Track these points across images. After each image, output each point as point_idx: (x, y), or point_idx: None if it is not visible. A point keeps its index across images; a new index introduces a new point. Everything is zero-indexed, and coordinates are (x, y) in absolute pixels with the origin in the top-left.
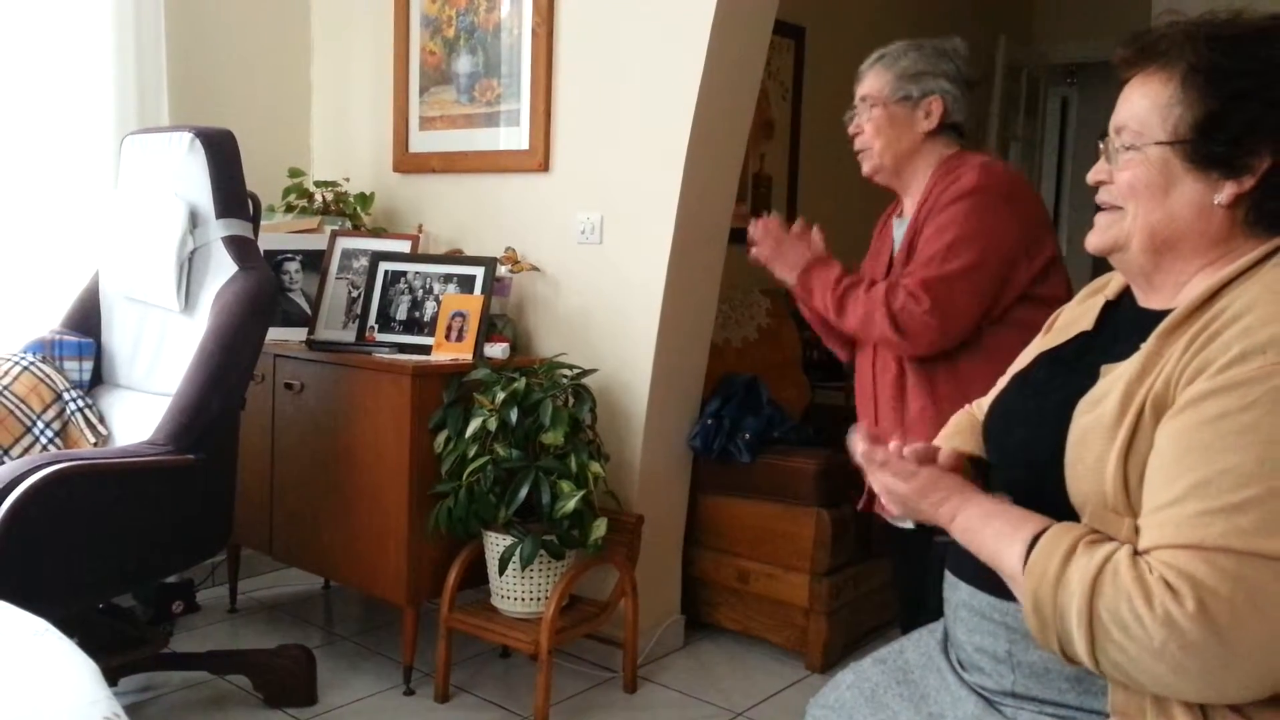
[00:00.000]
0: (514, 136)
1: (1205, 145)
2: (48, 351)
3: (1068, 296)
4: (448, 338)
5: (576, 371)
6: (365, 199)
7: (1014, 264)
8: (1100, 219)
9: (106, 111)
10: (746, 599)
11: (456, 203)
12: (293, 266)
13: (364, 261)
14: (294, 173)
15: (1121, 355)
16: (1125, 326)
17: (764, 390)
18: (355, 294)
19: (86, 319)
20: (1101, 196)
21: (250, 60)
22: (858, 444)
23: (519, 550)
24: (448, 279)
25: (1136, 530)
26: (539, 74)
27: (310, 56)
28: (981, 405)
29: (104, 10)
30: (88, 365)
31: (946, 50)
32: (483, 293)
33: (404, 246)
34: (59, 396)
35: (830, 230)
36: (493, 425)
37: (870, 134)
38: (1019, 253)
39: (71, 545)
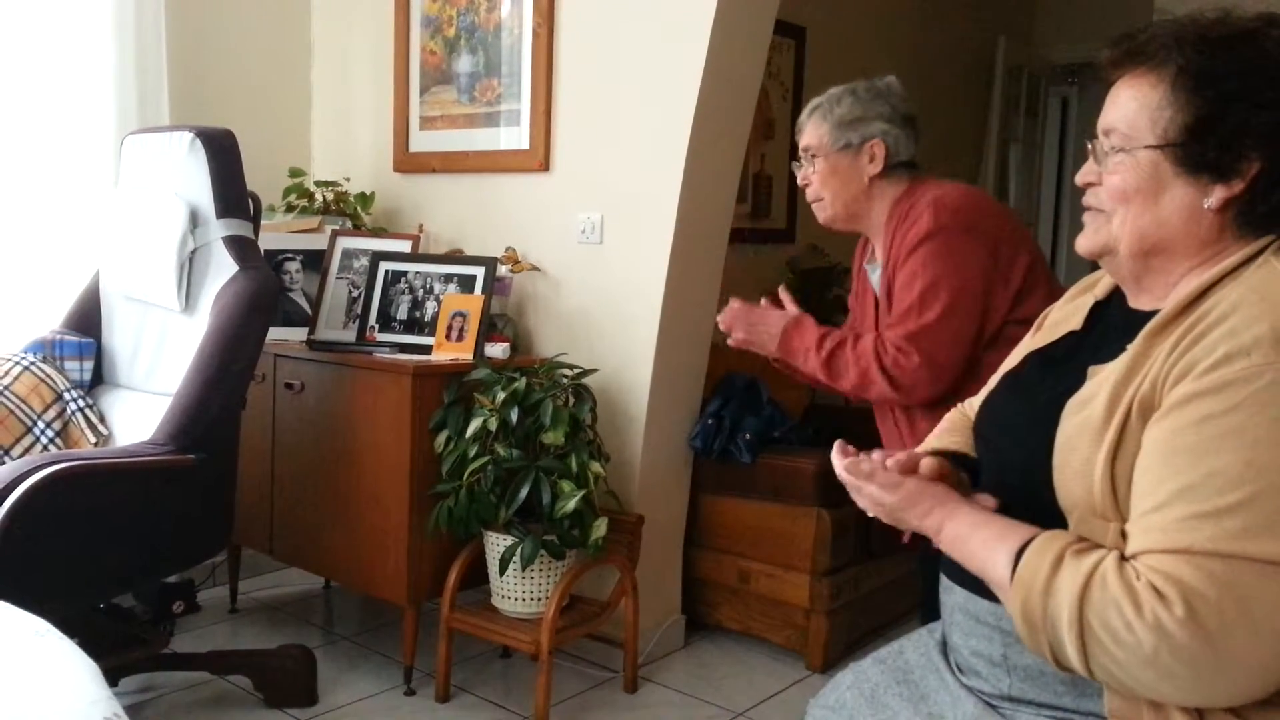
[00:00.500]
0: (514, 136)
1: (1195, 149)
2: (48, 351)
3: (1055, 298)
4: (448, 338)
5: (577, 371)
6: (366, 199)
7: (990, 292)
8: (1089, 222)
9: (107, 111)
10: (747, 599)
11: (457, 202)
12: (293, 266)
13: (364, 261)
14: (294, 172)
15: (1109, 356)
16: (1114, 326)
17: (764, 390)
18: (356, 294)
19: (87, 319)
20: (1089, 199)
21: (251, 60)
22: (837, 460)
23: (519, 550)
24: (448, 279)
25: (1123, 535)
26: (539, 74)
27: (311, 56)
28: (972, 404)
29: (105, 10)
30: (88, 365)
31: (880, 90)
32: (483, 292)
33: (404, 246)
34: (60, 396)
35: (831, 232)
36: (493, 425)
37: (818, 185)
38: (992, 280)
39: (72, 545)
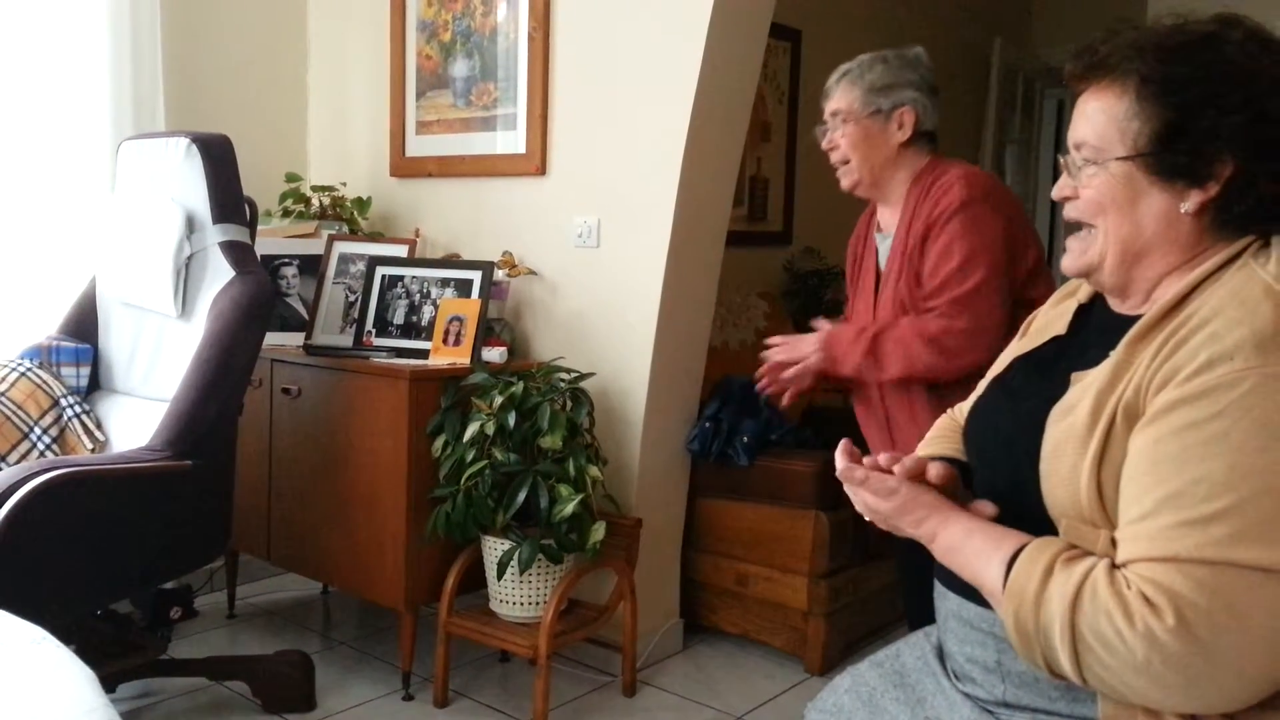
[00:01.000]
0: (511, 140)
1: (1167, 156)
2: (45, 357)
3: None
4: (445, 342)
5: (574, 375)
6: (362, 203)
7: (1011, 264)
8: (1073, 243)
9: (103, 117)
10: (745, 602)
11: (453, 207)
12: (290, 271)
13: (361, 266)
14: (291, 177)
15: (1092, 361)
16: (1097, 331)
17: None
18: (352, 298)
19: (84, 325)
20: (1069, 213)
21: (247, 65)
22: (839, 460)
23: (517, 554)
24: (445, 283)
25: (1113, 543)
26: (535, 78)
27: (307, 61)
28: (962, 410)
29: (100, 16)
30: (85, 371)
31: (910, 59)
32: (480, 297)
33: (401, 251)
34: (56, 402)
35: (827, 234)
36: (490, 429)
37: (846, 149)
38: (1013, 252)
39: (69, 551)
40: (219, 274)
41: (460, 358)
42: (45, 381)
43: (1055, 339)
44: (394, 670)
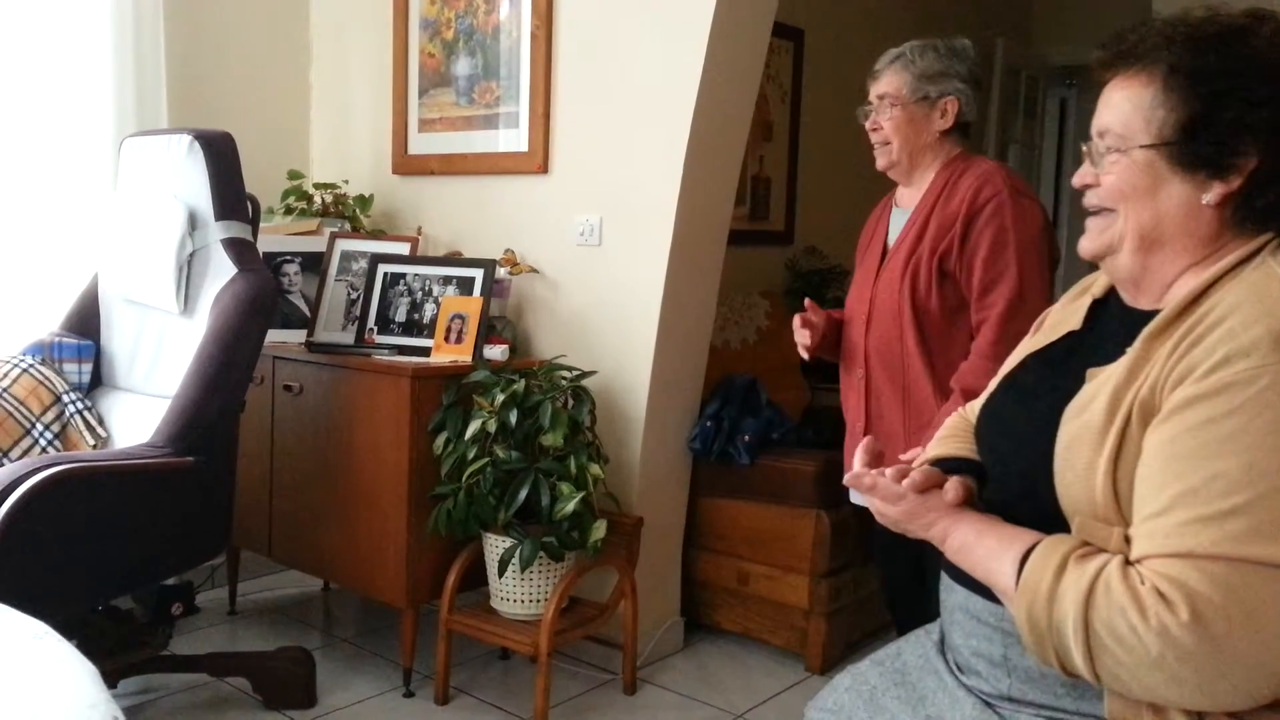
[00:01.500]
0: (513, 138)
1: (1191, 146)
2: (47, 354)
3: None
4: (447, 340)
5: (576, 373)
6: (364, 201)
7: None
8: (1093, 223)
9: (106, 114)
10: (746, 601)
11: (456, 205)
12: (292, 268)
13: (363, 263)
14: (293, 175)
15: (1108, 356)
16: (1112, 326)
17: (763, 392)
18: (354, 296)
19: (86, 321)
20: (1090, 200)
21: (249, 62)
22: (858, 458)
23: (518, 552)
24: (447, 281)
25: (1127, 540)
26: (538, 76)
27: (309, 59)
28: (973, 408)
29: (103, 13)
30: (87, 367)
31: (958, 50)
32: (482, 294)
33: (403, 248)
34: (58, 399)
35: (830, 232)
36: (492, 427)
37: (889, 131)
38: (1051, 243)
39: (71, 547)
40: (221, 271)
41: (462, 355)
42: (47, 378)
43: (1069, 334)
44: (395, 667)
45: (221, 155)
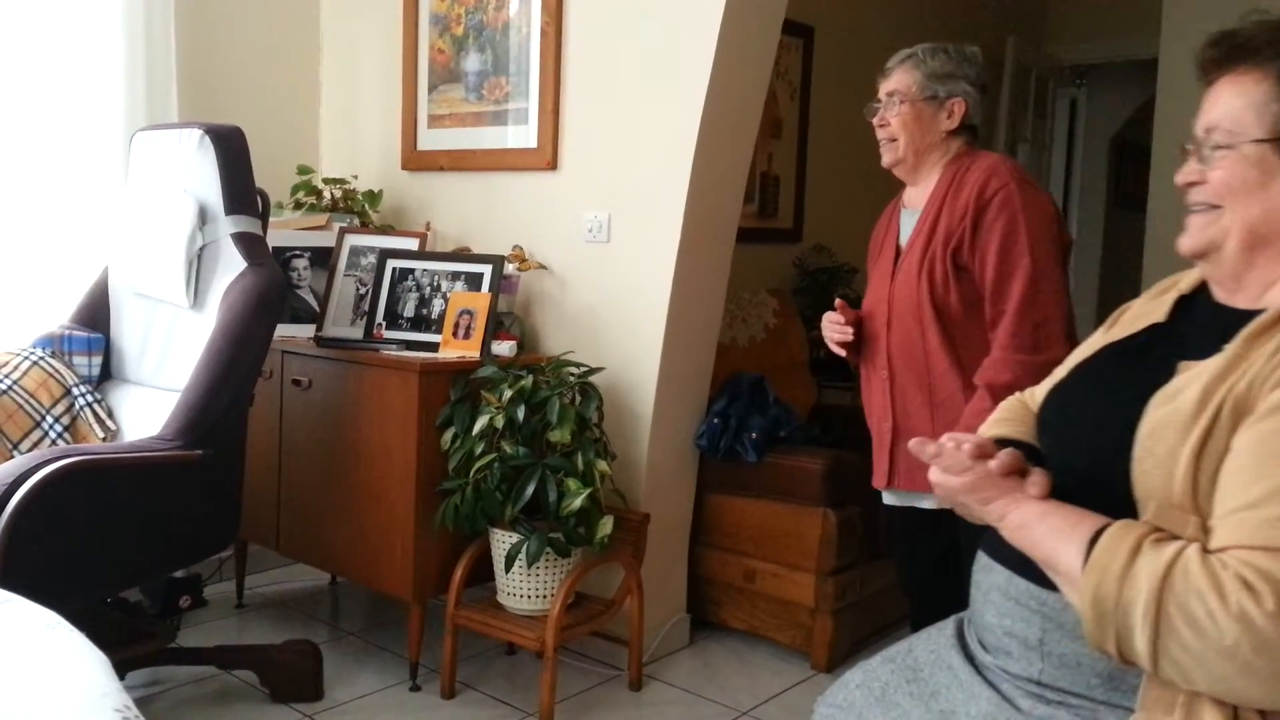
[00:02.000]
0: (522, 135)
1: None
2: (57, 346)
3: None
4: (455, 335)
5: (583, 370)
6: (373, 196)
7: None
8: (1195, 220)
9: (116, 108)
10: (752, 598)
11: (464, 201)
12: (301, 263)
13: (372, 259)
14: (302, 170)
15: (1200, 351)
16: (1203, 322)
17: (770, 390)
18: (363, 291)
19: (96, 314)
20: (1195, 197)
21: (259, 57)
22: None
23: (525, 548)
24: (455, 276)
25: (1204, 530)
26: (547, 72)
27: (319, 54)
28: (1034, 395)
29: (114, 7)
30: (97, 360)
31: (968, 55)
32: (490, 290)
33: (412, 244)
34: (68, 391)
35: (838, 230)
36: (500, 423)
37: (896, 127)
38: (1062, 231)
39: (80, 539)
40: (231, 265)
41: (470, 351)
42: (57, 370)
43: (1153, 326)
44: (401, 661)
45: (232, 150)
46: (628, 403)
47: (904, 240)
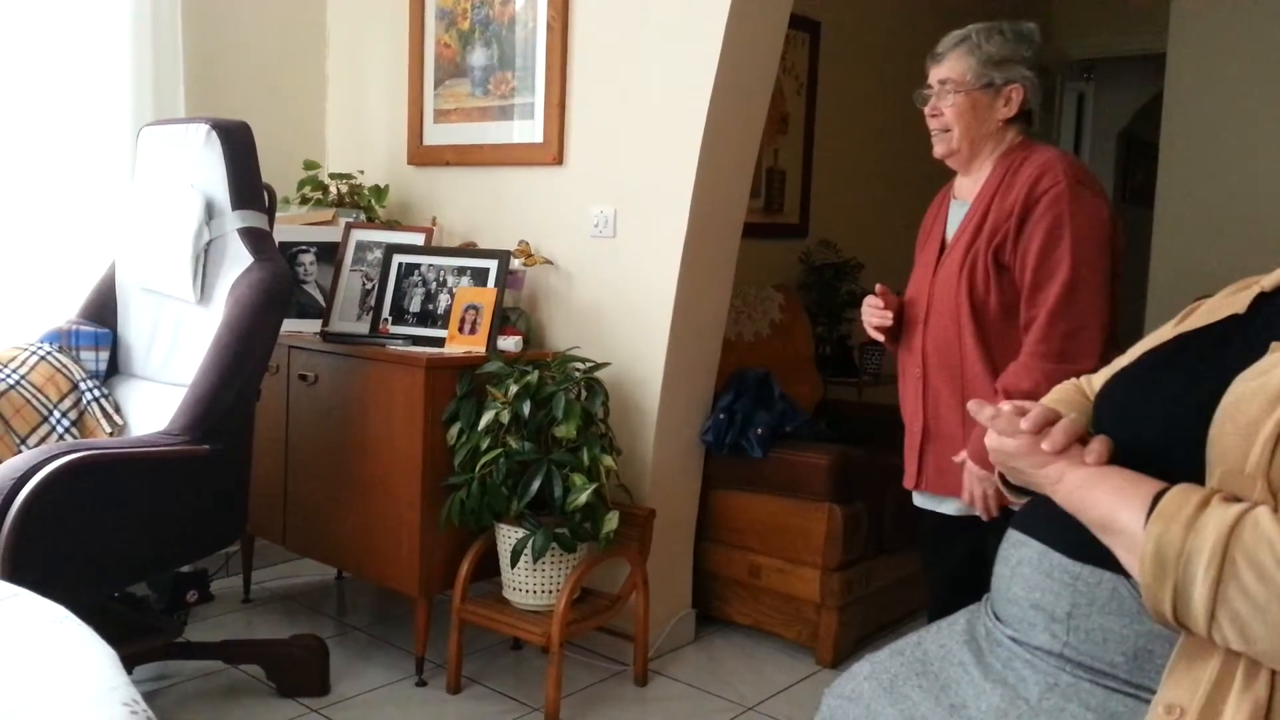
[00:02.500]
0: (528, 130)
1: None
2: (64, 341)
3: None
4: (461, 330)
5: (589, 365)
6: (380, 191)
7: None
8: None
9: (123, 103)
10: (758, 593)
11: (471, 196)
12: (307, 258)
13: (378, 254)
14: (309, 165)
15: None
16: None
17: (776, 385)
18: (369, 286)
19: (103, 309)
20: None
21: (266, 53)
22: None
23: (531, 543)
24: (461, 272)
25: (1275, 506)
26: (553, 67)
27: (326, 49)
28: (1092, 382)
29: (122, 3)
30: (104, 355)
31: (1025, 34)
32: (496, 286)
33: (418, 239)
34: (75, 386)
35: (844, 226)
36: (505, 418)
37: (950, 118)
38: (1114, 241)
39: (87, 534)
40: (237, 260)
41: (476, 346)
42: (65, 365)
43: (1232, 317)
44: (407, 656)
45: (239, 145)
46: (633, 398)
47: (950, 233)
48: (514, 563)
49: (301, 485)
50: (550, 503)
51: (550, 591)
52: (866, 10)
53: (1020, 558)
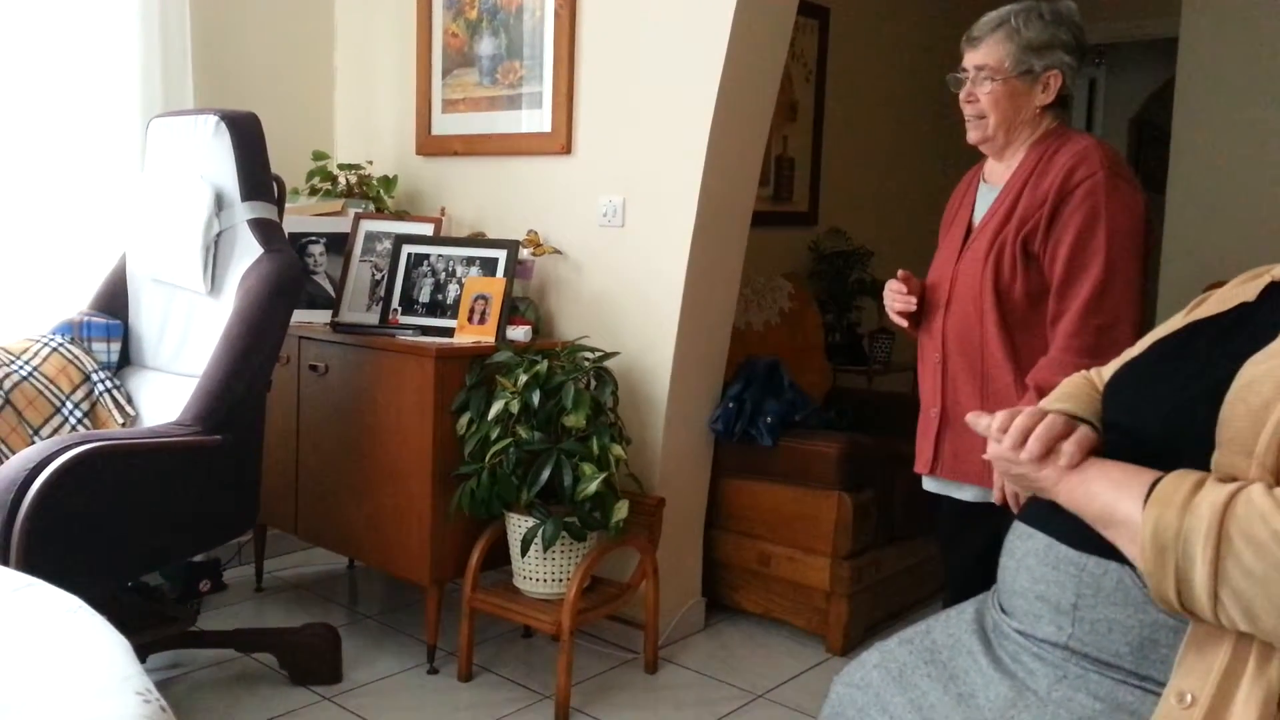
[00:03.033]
0: (536, 119)
1: None
2: (76, 333)
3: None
4: (470, 320)
5: (598, 354)
6: (388, 182)
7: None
8: None
9: (133, 94)
10: (767, 582)
11: (479, 185)
12: (317, 249)
13: (387, 244)
14: (318, 155)
15: None
16: None
17: (785, 374)
18: (379, 276)
19: (114, 301)
20: None
21: (275, 43)
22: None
23: (541, 532)
24: (470, 261)
25: (1270, 485)
26: (561, 56)
27: (334, 39)
28: (1100, 373)
29: None
30: (115, 347)
31: (1063, 15)
32: (505, 275)
33: (427, 229)
34: (87, 377)
35: (853, 215)
36: (515, 408)
37: (986, 105)
38: (1148, 229)
39: (101, 524)
40: (248, 251)
41: (485, 336)
42: (76, 357)
43: (1242, 305)
44: (419, 644)
45: (248, 136)
46: (643, 387)
47: (977, 218)
48: (524, 551)
49: (313, 475)
50: (560, 492)
51: (560, 580)
52: None
53: (1026, 550)
